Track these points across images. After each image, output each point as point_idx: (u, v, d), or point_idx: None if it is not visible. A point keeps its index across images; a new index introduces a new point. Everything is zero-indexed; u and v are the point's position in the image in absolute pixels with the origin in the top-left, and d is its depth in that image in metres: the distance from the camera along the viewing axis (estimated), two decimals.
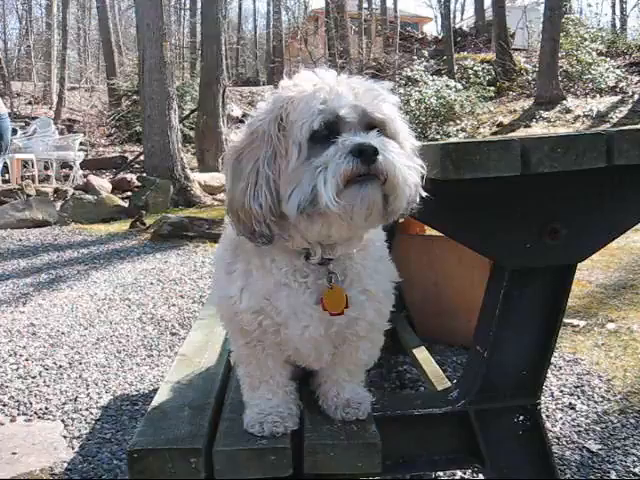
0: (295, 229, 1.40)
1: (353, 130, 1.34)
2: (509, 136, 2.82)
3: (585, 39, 20.86)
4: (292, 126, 1.35)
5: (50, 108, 24.38)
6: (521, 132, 16.97)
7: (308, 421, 1.63)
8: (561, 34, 19.21)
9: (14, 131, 15.30)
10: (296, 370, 1.71)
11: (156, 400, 1.76)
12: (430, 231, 3.57)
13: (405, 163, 1.33)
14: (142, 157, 13.94)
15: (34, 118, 19.82)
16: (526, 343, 1.70)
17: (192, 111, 17.41)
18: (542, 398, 1.79)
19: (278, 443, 1.51)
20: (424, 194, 1.41)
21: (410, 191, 1.35)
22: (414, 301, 3.36)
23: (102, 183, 12.42)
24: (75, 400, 3.29)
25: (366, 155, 1.28)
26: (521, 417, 1.73)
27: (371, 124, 1.37)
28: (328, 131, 1.34)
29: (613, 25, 31.72)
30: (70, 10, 30.00)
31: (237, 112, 22.50)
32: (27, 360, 3.88)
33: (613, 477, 2.42)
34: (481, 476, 2.40)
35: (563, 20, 19.71)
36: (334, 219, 1.33)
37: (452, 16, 28.95)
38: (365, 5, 29.20)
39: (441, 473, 2.44)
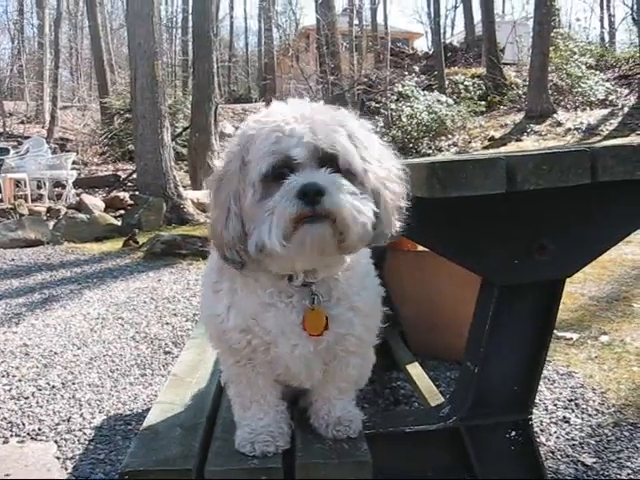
0: (257, 262, 1.42)
1: (307, 168, 1.35)
2: (494, 153, 2.84)
3: (574, 53, 21.02)
4: (249, 166, 1.38)
5: (43, 127, 24.41)
6: (512, 146, 17.06)
7: (299, 440, 1.63)
8: (550, 48, 19.37)
9: (6, 150, 15.34)
10: (287, 389, 1.71)
11: (148, 420, 1.76)
12: (421, 246, 3.58)
13: (352, 202, 1.32)
14: (135, 175, 13.95)
15: (27, 137, 19.87)
16: (517, 358, 1.71)
17: (184, 129, 17.44)
18: (536, 412, 1.80)
19: (270, 463, 1.51)
20: (397, 225, 1.43)
21: (361, 229, 1.34)
22: (407, 316, 3.36)
23: (95, 202, 12.40)
24: (68, 420, 3.27)
25: (309, 197, 1.30)
26: (513, 432, 1.73)
27: (327, 159, 1.37)
28: (281, 171, 1.36)
29: (602, 39, 32.03)
30: (62, 29, 30.14)
31: (229, 129, 22.56)
32: (20, 381, 3.86)
33: None
34: None
35: (552, 34, 19.87)
36: (289, 258, 1.37)
37: (442, 31, 29.25)
38: (356, 22, 29.39)
39: None
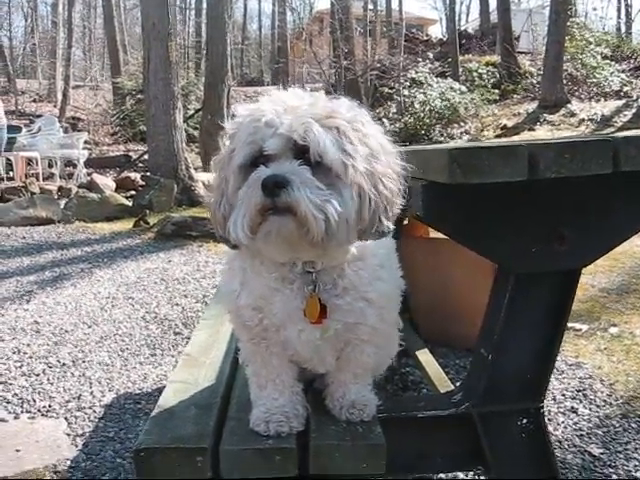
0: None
1: (282, 159, 1.37)
2: (516, 141, 2.83)
3: (590, 43, 20.83)
4: (233, 154, 1.42)
5: (54, 106, 24.39)
6: (525, 135, 16.95)
7: (313, 421, 1.64)
8: (566, 37, 19.18)
9: (18, 129, 15.36)
10: (303, 371, 1.72)
11: (162, 399, 1.77)
12: (434, 233, 3.58)
13: (311, 197, 1.31)
14: (146, 156, 13.95)
15: (39, 116, 19.87)
16: (530, 347, 1.71)
17: (197, 111, 17.42)
18: (545, 402, 1.79)
19: (284, 443, 1.52)
20: (387, 223, 1.42)
21: (321, 225, 1.32)
22: (419, 304, 3.36)
23: (106, 182, 12.42)
24: (79, 398, 3.30)
25: (269, 189, 1.31)
26: (524, 420, 1.74)
27: (303, 150, 1.37)
28: (257, 161, 1.38)
29: (618, 29, 31.60)
30: (76, 8, 30.01)
31: (240, 110, 22.53)
32: (31, 358, 3.89)
33: None
34: (482, 478, 2.40)
35: (568, 24, 19.67)
36: (261, 248, 1.40)
37: (457, 18, 29.01)
38: (370, 6, 29.17)
39: (442, 475, 2.45)
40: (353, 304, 1.54)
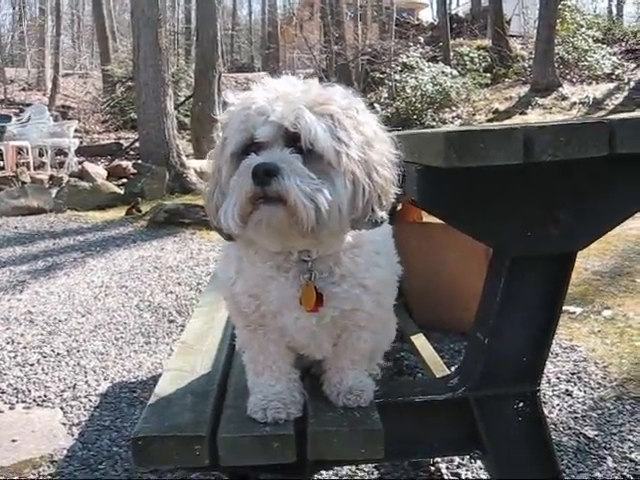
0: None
1: (274, 147, 1.35)
2: (511, 124, 2.82)
3: (581, 26, 20.80)
4: (225, 142, 1.42)
5: (44, 94, 24.25)
6: (517, 119, 16.95)
7: (311, 408, 1.63)
8: (557, 21, 19.14)
9: (8, 118, 15.26)
10: (300, 358, 1.72)
11: (159, 387, 1.77)
12: (427, 218, 3.58)
13: (301, 186, 1.30)
14: (137, 144, 13.89)
15: (28, 105, 19.75)
16: (526, 330, 1.71)
17: (187, 97, 17.34)
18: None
19: (281, 430, 1.52)
20: (381, 212, 1.41)
21: (311, 214, 1.30)
22: (412, 288, 3.36)
23: (97, 170, 12.36)
24: (74, 387, 3.30)
25: (259, 177, 1.30)
26: (521, 404, 1.74)
27: (294, 138, 1.36)
28: (249, 149, 1.37)
29: (609, 12, 31.60)
30: None
31: (232, 99, 22.43)
32: (25, 348, 3.88)
33: (610, 463, 2.44)
34: (479, 462, 2.42)
35: (559, 6, 19.62)
36: (254, 238, 1.40)
37: (448, 2, 28.80)
38: None
39: (439, 459, 2.46)
40: (350, 291, 1.54)
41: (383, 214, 1.43)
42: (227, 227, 1.35)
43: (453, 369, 2.31)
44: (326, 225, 1.33)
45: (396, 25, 23.76)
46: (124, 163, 13.23)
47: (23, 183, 10.85)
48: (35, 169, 13.40)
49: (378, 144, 1.43)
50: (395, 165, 1.44)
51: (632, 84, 18.27)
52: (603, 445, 2.56)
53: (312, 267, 1.50)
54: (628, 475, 2.36)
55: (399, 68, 20.06)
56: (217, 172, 1.44)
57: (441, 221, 1.74)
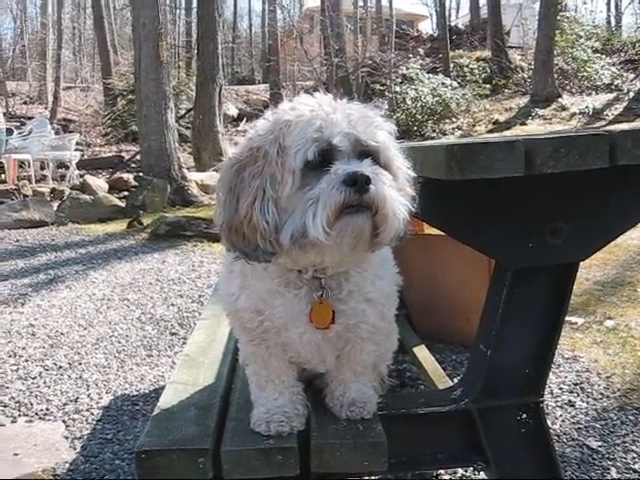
0: (288, 254, 1.40)
1: (346, 158, 1.35)
2: (512, 136, 2.83)
3: (580, 37, 20.90)
4: (287, 152, 1.35)
5: (45, 108, 24.29)
6: (517, 130, 16.99)
7: (314, 421, 1.63)
8: (556, 32, 19.23)
9: (10, 131, 15.29)
10: (303, 371, 1.72)
11: (162, 400, 1.77)
12: (429, 230, 3.58)
13: (396, 196, 1.34)
14: (138, 157, 13.92)
15: (30, 118, 19.78)
16: (529, 341, 1.71)
17: (188, 110, 17.39)
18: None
19: (285, 443, 1.52)
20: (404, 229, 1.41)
21: (399, 224, 1.35)
22: (413, 300, 3.37)
23: (99, 183, 12.41)
24: (76, 401, 3.29)
25: (359, 184, 1.29)
26: (524, 415, 1.74)
27: (364, 152, 1.37)
28: (322, 159, 1.34)
29: (608, 22, 31.73)
30: (65, 9, 30.04)
31: (233, 111, 22.48)
32: (27, 361, 3.88)
33: (613, 474, 2.43)
34: (482, 474, 2.41)
35: (558, 18, 19.73)
36: (325, 249, 1.35)
37: (447, 14, 28.97)
38: (360, 3, 29.13)
39: (442, 471, 2.45)
40: (357, 306, 1.54)
41: (407, 230, 1.44)
42: (314, 235, 1.29)
43: (455, 380, 2.31)
44: (398, 236, 1.39)
45: (396, 37, 23.88)
46: (125, 176, 13.26)
47: (25, 196, 10.88)
48: (36, 182, 13.45)
49: (401, 162, 1.45)
50: (412, 182, 1.46)
51: (631, 94, 18.34)
52: (607, 456, 2.55)
53: (325, 284, 1.51)
54: None
55: (399, 80, 20.16)
56: (269, 185, 1.36)
57: (442, 233, 1.75)
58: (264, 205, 1.36)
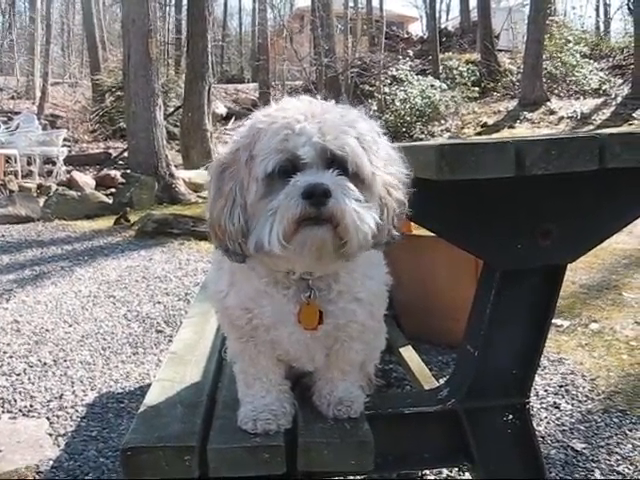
0: (258, 259, 1.41)
1: (314, 168, 1.33)
2: (502, 137, 2.84)
3: (569, 41, 21.01)
4: (255, 160, 1.35)
5: (33, 103, 24.15)
6: (505, 133, 17.06)
7: (302, 419, 1.63)
8: (545, 36, 19.33)
9: None
10: (291, 369, 1.72)
11: (148, 398, 1.76)
12: (417, 230, 3.58)
13: (356, 209, 1.30)
14: (126, 154, 13.85)
15: (17, 113, 19.66)
16: (516, 343, 1.72)
17: (177, 108, 17.32)
18: None
19: (272, 441, 1.52)
20: (395, 232, 1.41)
21: (363, 236, 1.31)
22: (401, 300, 3.36)
23: (86, 179, 12.32)
24: (60, 397, 3.27)
25: (316, 197, 1.27)
26: (510, 416, 1.75)
27: (333, 161, 1.34)
28: (288, 169, 1.33)
29: (597, 28, 31.93)
30: (54, 4, 29.80)
31: (222, 110, 22.43)
32: (11, 357, 3.85)
33: (597, 475, 2.44)
34: (467, 475, 2.42)
35: (547, 22, 19.83)
36: (290, 259, 1.35)
37: (437, 16, 28.98)
38: (351, 4, 29.14)
39: (427, 472, 2.46)
40: (346, 306, 1.54)
41: (397, 234, 1.43)
42: (269, 247, 1.29)
43: (442, 381, 2.32)
44: (363, 248, 1.34)
45: (386, 38, 23.90)
46: (113, 173, 13.17)
47: (11, 191, 10.80)
48: (23, 177, 13.34)
49: (390, 165, 1.43)
50: (405, 185, 1.44)
51: (619, 99, 18.44)
52: (591, 458, 2.56)
53: (312, 285, 1.50)
54: None
55: (388, 81, 20.20)
56: (237, 191, 1.37)
57: (431, 233, 1.75)
58: (233, 209, 1.37)
